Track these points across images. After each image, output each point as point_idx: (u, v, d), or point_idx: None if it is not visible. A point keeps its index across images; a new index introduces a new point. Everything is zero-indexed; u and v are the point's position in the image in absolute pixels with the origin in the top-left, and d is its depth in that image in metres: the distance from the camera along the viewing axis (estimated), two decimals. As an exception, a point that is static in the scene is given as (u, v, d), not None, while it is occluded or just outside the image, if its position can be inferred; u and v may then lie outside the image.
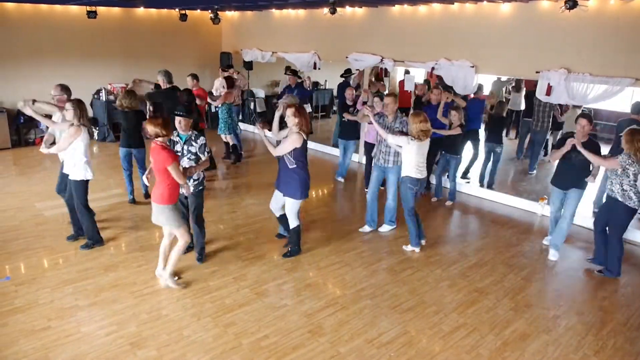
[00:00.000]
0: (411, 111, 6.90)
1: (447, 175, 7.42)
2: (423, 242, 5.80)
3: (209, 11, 11.15)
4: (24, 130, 9.70)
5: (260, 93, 12.25)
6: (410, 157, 5.37)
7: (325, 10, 8.16)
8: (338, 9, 7.78)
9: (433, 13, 7.81)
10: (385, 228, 6.15)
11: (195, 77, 8.22)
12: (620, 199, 5.01)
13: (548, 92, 6.49)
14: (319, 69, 9.97)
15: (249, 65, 11.52)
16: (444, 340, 4.00)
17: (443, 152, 7.21)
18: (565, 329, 4.23)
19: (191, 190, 4.81)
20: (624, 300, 4.78)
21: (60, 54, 10.13)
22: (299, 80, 9.42)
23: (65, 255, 5.16)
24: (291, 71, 9.30)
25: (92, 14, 9.67)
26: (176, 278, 4.69)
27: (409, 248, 5.66)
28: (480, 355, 3.83)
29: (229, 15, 12.06)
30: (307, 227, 6.05)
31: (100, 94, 10.33)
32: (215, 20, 10.84)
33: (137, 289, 4.55)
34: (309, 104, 10.50)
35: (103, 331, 3.89)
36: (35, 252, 5.18)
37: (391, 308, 4.42)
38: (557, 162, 5.50)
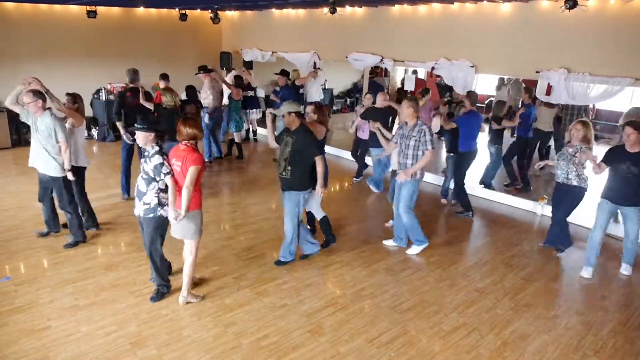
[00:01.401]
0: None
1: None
2: (390, 223, 6.04)
3: (209, 11, 11.14)
4: (24, 130, 9.66)
5: (260, 93, 12.23)
6: None
7: (325, 10, 8.16)
8: (338, 9, 7.78)
9: (433, 13, 7.81)
10: (393, 244, 5.73)
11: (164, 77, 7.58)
12: None
13: (548, 92, 6.49)
14: (319, 68, 9.96)
15: (249, 65, 11.51)
16: (444, 340, 4.00)
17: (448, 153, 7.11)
18: (565, 329, 4.23)
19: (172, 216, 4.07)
20: (624, 300, 4.78)
21: (60, 53, 10.13)
22: (289, 82, 9.36)
23: (66, 254, 5.15)
24: (281, 71, 9.25)
25: (91, 14, 9.68)
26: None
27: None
28: (480, 355, 3.83)
29: (229, 15, 12.06)
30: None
31: (100, 94, 10.32)
32: (215, 20, 10.84)
33: (137, 288, 4.55)
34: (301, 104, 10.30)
35: (103, 331, 3.89)
36: (36, 252, 5.19)
37: (391, 308, 4.43)
38: (607, 175, 5.04)
